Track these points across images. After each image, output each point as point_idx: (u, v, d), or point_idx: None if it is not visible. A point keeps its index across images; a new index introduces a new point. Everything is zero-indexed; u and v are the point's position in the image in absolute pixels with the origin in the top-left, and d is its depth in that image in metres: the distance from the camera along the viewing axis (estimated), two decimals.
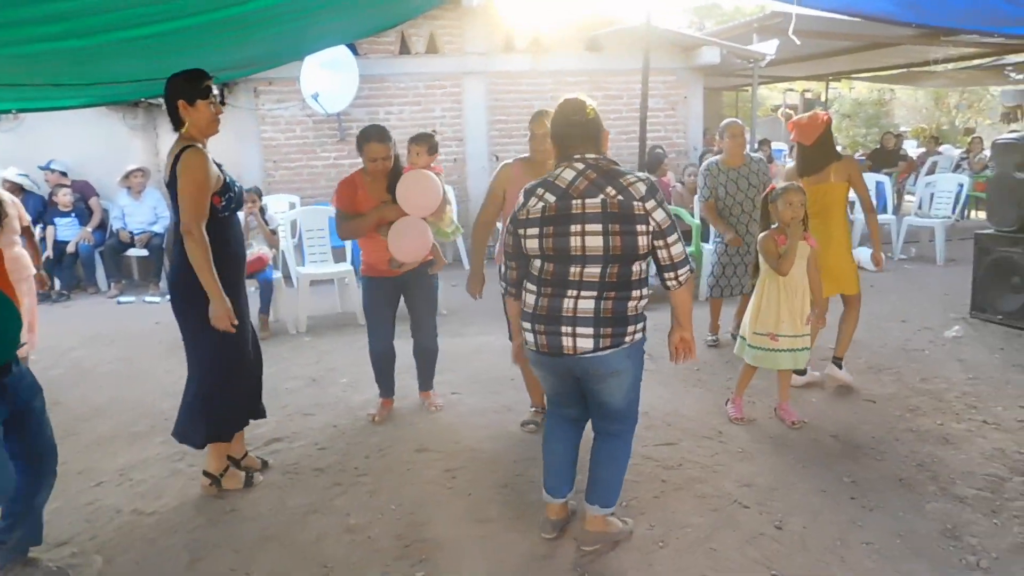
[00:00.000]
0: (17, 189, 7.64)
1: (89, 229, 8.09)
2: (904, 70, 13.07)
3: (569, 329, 2.55)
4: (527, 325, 2.67)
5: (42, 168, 8.21)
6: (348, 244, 6.87)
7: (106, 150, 8.46)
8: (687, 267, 2.63)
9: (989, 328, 5.58)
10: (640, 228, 2.51)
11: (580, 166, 2.58)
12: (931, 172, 11.36)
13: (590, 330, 2.54)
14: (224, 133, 9.42)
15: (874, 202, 9.16)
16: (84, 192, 8.32)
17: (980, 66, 12.62)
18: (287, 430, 4.07)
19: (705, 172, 5.32)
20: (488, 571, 2.75)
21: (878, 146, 12.99)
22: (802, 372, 4.37)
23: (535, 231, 2.58)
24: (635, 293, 2.58)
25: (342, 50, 8.14)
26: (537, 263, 2.63)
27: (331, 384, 4.82)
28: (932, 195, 9.15)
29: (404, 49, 8.95)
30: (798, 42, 7.93)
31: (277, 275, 6.23)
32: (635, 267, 2.56)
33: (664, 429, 3.92)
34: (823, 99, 17.00)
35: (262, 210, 6.24)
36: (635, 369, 2.69)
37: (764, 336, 3.86)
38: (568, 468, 2.92)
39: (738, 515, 3.07)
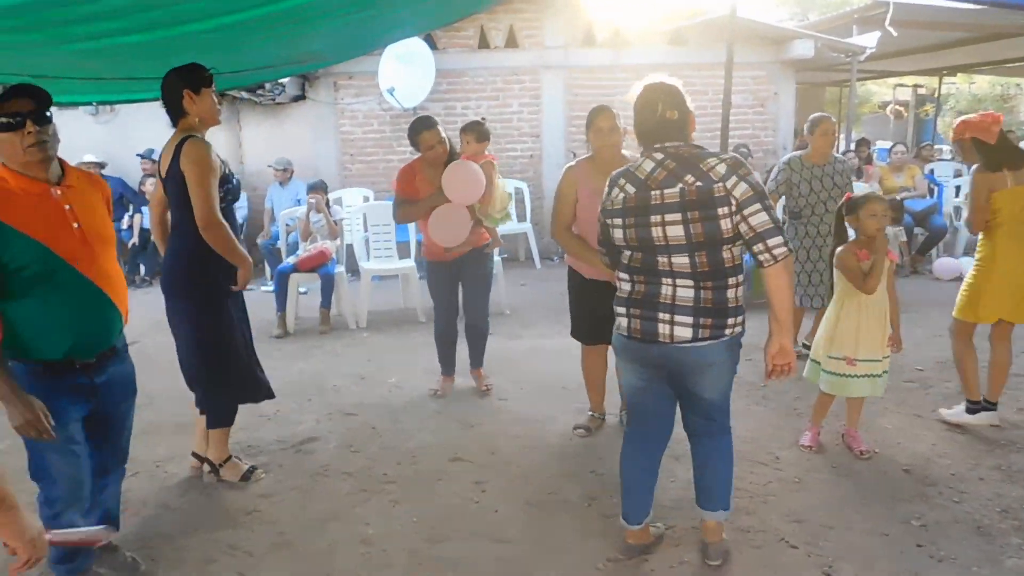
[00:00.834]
0: (97, 167, 8.06)
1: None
2: None
3: (667, 316, 2.47)
4: (621, 309, 2.60)
5: (140, 156, 8.50)
6: (413, 241, 6.85)
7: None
8: (778, 237, 2.37)
9: None
10: (722, 211, 2.39)
11: (659, 156, 2.49)
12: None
13: (689, 319, 2.45)
14: (303, 126, 9.60)
15: None
16: None
17: None
18: (324, 429, 4.02)
19: (784, 165, 4.91)
20: None
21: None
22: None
23: (619, 221, 2.54)
24: (731, 281, 2.49)
25: (419, 44, 8.11)
26: (627, 252, 2.58)
27: (379, 384, 4.75)
28: None
29: (483, 43, 8.84)
30: (895, 33, 7.39)
31: (339, 269, 6.24)
32: (725, 253, 2.45)
33: None
34: (936, 95, 15.84)
35: (327, 204, 6.27)
36: (732, 363, 2.59)
37: (840, 360, 3.49)
38: (648, 493, 2.77)
39: (782, 556, 2.78)
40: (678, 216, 2.41)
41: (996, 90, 20.87)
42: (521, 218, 8.72)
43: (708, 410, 2.62)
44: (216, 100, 3.13)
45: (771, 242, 2.37)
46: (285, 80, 8.17)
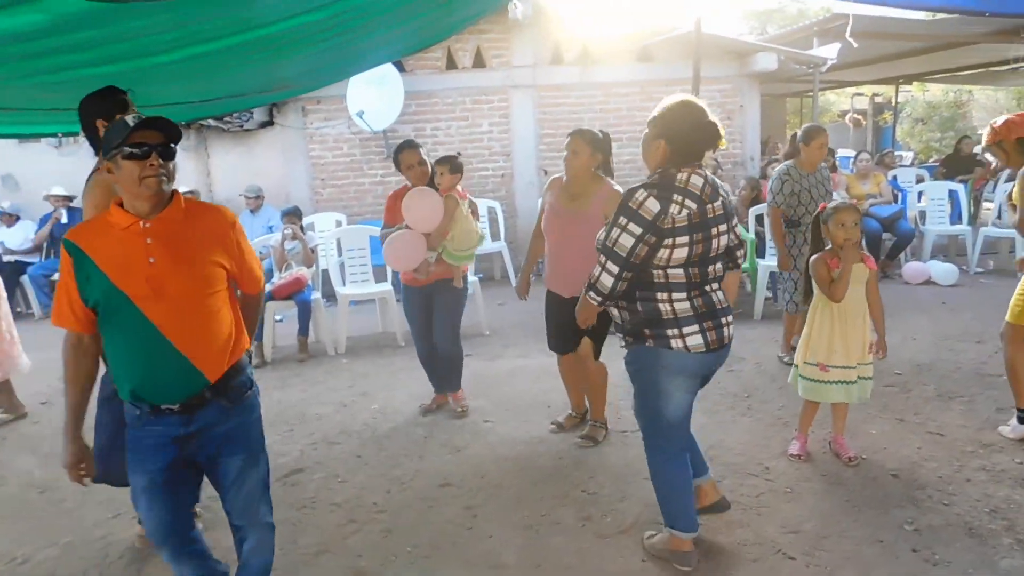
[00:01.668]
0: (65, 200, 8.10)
1: None
2: (982, 70, 12.33)
3: (726, 319, 2.69)
4: (693, 327, 2.60)
5: None
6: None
7: None
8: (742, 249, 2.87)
9: None
10: (734, 222, 2.75)
11: (702, 172, 2.62)
12: (1012, 179, 10.61)
13: (731, 317, 2.74)
14: (273, 152, 9.49)
15: (947, 211, 8.72)
16: None
17: None
18: (309, 460, 3.94)
19: (784, 176, 4.92)
20: None
21: (952, 151, 12.26)
22: None
23: (685, 239, 2.53)
24: None
25: (387, 67, 8.09)
26: (679, 271, 2.57)
27: (362, 410, 4.68)
28: None
29: (451, 64, 8.86)
30: (855, 44, 7.56)
31: (316, 295, 6.17)
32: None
33: None
34: (893, 103, 16.22)
35: (302, 228, 6.20)
36: None
37: (814, 366, 3.53)
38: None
39: (782, 567, 2.77)
40: (724, 227, 2.65)
41: (949, 97, 21.42)
42: (495, 237, 8.71)
43: None
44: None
45: (742, 250, 2.86)
46: None
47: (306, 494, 3.55)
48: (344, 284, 6.57)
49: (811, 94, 9.99)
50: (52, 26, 2.39)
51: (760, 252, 6.65)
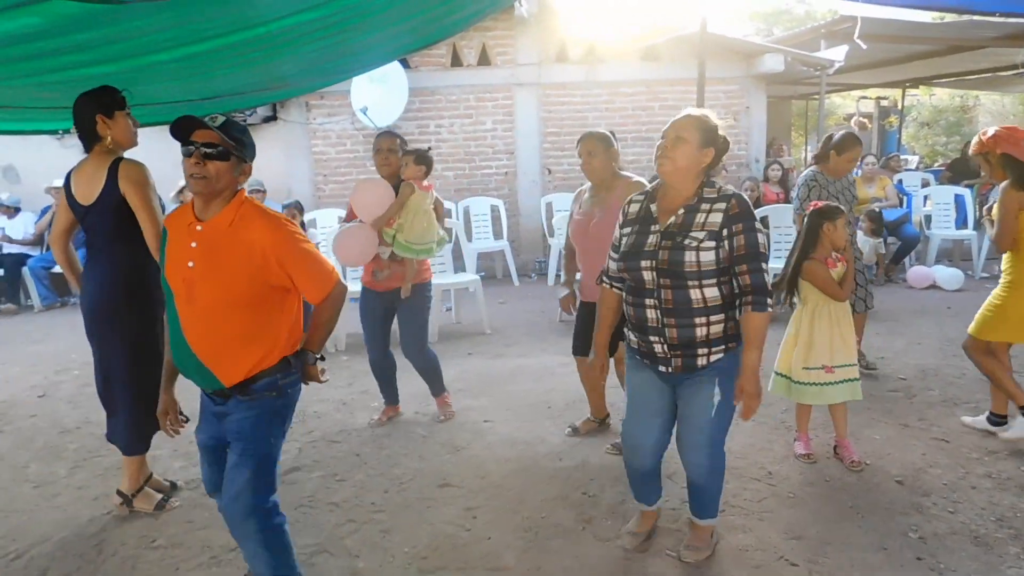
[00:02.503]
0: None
1: None
2: (989, 75, 12.27)
3: None
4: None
5: None
6: None
7: (172, 168, 8.57)
8: None
9: None
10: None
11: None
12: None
13: None
14: (275, 147, 9.47)
15: (953, 215, 8.67)
16: None
17: None
18: (308, 458, 3.91)
19: (811, 183, 4.78)
20: None
21: (958, 155, 12.21)
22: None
23: None
24: None
25: (392, 63, 8.06)
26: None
27: (361, 408, 4.64)
28: None
29: (455, 61, 8.83)
30: (864, 46, 7.51)
31: None
32: None
33: None
34: (899, 107, 16.15)
35: (302, 225, 6.16)
36: None
37: (818, 370, 3.50)
38: None
39: (784, 574, 2.73)
40: None
41: (956, 101, 21.35)
42: (498, 235, 8.68)
43: None
44: (132, 122, 3.11)
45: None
46: None
47: (304, 493, 3.51)
48: (345, 280, 6.52)
49: (817, 96, 9.95)
50: (49, 29, 2.39)
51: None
